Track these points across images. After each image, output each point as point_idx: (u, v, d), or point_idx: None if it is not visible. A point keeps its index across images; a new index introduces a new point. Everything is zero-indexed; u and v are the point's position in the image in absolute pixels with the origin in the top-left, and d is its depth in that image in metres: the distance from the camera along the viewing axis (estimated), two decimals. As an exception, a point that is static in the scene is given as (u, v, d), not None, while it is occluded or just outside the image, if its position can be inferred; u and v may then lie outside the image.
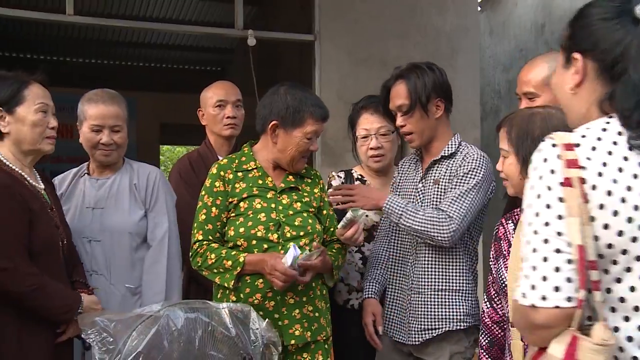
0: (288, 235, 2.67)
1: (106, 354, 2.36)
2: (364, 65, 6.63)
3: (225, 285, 2.68)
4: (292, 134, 2.72)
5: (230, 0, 6.95)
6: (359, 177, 3.32)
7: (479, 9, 8.68)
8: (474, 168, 2.76)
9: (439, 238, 2.68)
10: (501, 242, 2.30)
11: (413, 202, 2.89)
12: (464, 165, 2.78)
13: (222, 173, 2.79)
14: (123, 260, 2.98)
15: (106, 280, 2.95)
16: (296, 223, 2.70)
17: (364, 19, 6.69)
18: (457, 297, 2.80)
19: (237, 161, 2.84)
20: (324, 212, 2.85)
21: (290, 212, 2.72)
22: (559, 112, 2.16)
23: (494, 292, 2.36)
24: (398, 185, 3.03)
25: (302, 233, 2.70)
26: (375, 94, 3.37)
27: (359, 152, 3.32)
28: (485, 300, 2.40)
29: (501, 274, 2.24)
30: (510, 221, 2.31)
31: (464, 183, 2.74)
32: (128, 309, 2.89)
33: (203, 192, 2.79)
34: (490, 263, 2.37)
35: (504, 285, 2.21)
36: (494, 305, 2.36)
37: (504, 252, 2.26)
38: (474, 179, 2.75)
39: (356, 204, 2.78)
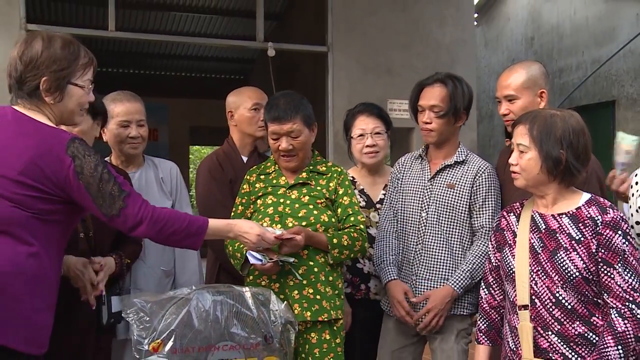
0: (290, 225, 2.65)
1: (143, 331, 2.35)
2: (371, 73, 6.62)
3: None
4: (268, 137, 2.79)
5: (252, 16, 6.97)
6: (350, 178, 3.27)
7: (475, 23, 8.64)
8: (493, 181, 2.82)
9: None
10: (504, 232, 2.26)
11: (419, 199, 2.88)
12: (483, 178, 2.81)
13: (248, 177, 2.87)
14: (157, 246, 2.91)
15: (144, 264, 2.95)
16: (300, 214, 2.69)
17: (371, 32, 6.68)
18: None
19: (262, 166, 2.90)
20: (340, 201, 2.82)
21: (297, 205, 2.71)
22: (571, 115, 2.14)
23: (492, 279, 2.32)
24: (401, 181, 2.99)
25: (304, 223, 2.67)
26: (373, 103, 3.38)
27: (353, 150, 3.28)
28: (484, 287, 2.36)
29: (508, 261, 2.20)
30: (512, 214, 2.27)
31: (492, 197, 2.79)
32: (162, 289, 2.92)
33: (238, 195, 2.88)
34: (490, 252, 2.34)
35: (511, 271, 2.16)
36: (492, 291, 2.32)
37: (509, 242, 2.22)
38: (495, 191, 2.81)
39: (443, 317, 2.75)
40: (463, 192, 2.80)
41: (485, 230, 2.74)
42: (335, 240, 2.66)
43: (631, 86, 7.98)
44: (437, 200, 2.83)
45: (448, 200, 2.81)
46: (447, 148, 2.89)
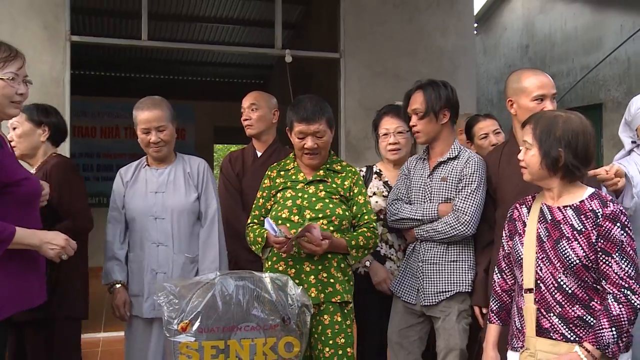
0: (307, 216, 2.66)
1: (173, 312, 2.36)
2: (380, 78, 6.58)
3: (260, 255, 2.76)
4: (291, 137, 2.77)
5: (270, 25, 6.94)
6: (378, 171, 3.29)
7: (475, 32, 8.57)
8: (477, 170, 2.79)
9: (462, 233, 2.74)
10: (516, 222, 2.24)
11: (422, 194, 2.89)
12: (469, 167, 2.81)
13: (269, 173, 2.87)
14: (183, 234, 2.94)
15: (170, 251, 2.91)
16: (317, 207, 2.68)
17: (380, 40, 6.64)
18: (465, 267, 2.80)
19: (282, 163, 2.90)
20: (356, 199, 2.79)
21: (314, 199, 2.70)
22: (576, 117, 2.10)
23: (504, 265, 2.30)
24: (409, 179, 2.99)
25: (320, 215, 2.66)
26: (392, 103, 3.39)
27: (380, 147, 3.30)
28: (497, 272, 2.34)
29: (517, 249, 2.17)
30: (523, 206, 2.25)
31: (471, 183, 2.78)
32: (186, 274, 2.91)
33: (259, 189, 2.88)
34: (503, 240, 2.31)
35: (520, 258, 2.15)
36: (504, 276, 2.30)
37: (519, 231, 2.20)
38: (477, 179, 2.78)
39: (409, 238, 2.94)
40: (454, 183, 2.81)
41: (457, 209, 2.74)
42: (353, 242, 2.66)
43: (616, 90, 7.98)
44: (435, 193, 2.85)
45: (443, 192, 2.83)
46: (441, 146, 2.91)
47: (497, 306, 2.32)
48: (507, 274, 2.28)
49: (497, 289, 2.32)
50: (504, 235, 2.30)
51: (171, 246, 2.92)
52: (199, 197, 3.01)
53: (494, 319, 2.32)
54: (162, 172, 3.01)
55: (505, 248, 2.29)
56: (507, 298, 2.29)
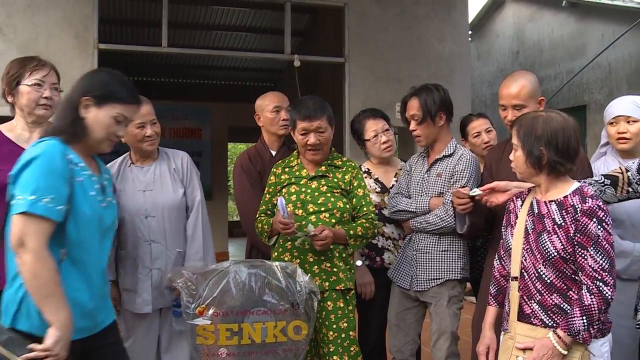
0: (311, 210, 2.64)
1: (190, 297, 2.36)
2: (382, 81, 6.57)
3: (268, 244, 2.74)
4: (295, 135, 2.75)
5: (280, 33, 6.93)
6: (367, 170, 3.25)
7: (470, 39, 8.55)
8: (467, 166, 2.80)
9: (450, 225, 2.73)
10: (510, 214, 2.23)
11: (419, 188, 2.88)
12: (460, 164, 2.81)
13: (274, 170, 2.85)
14: (174, 230, 2.77)
15: (163, 247, 2.75)
16: (319, 201, 2.66)
17: (382, 46, 6.63)
18: (454, 256, 2.79)
19: (286, 161, 2.87)
20: (355, 192, 2.76)
21: (316, 194, 2.68)
22: (558, 116, 2.07)
23: (503, 252, 2.27)
24: (410, 175, 2.98)
25: (322, 209, 2.65)
26: (374, 107, 3.36)
27: (371, 150, 3.21)
28: (497, 258, 2.29)
29: (508, 239, 2.17)
30: (519, 199, 2.23)
31: (462, 179, 2.78)
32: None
33: (266, 185, 2.86)
34: (502, 229, 2.29)
35: (509, 247, 2.15)
36: (502, 262, 2.25)
37: (512, 223, 2.19)
38: (467, 175, 2.78)
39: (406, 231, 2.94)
40: (447, 178, 2.81)
41: (446, 203, 2.74)
42: (352, 232, 2.64)
43: (599, 93, 8.02)
44: (430, 188, 2.84)
45: (438, 187, 2.83)
46: (439, 145, 2.89)
47: (495, 290, 2.30)
48: (505, 261, 2.26)
49: (495, 274, 2.30)
50: (503, 224, 2.29)
51: (164, 243, 2.76)
52: (185, 191, 2.85)
53: (492, 301, 2.30)
54: (147, 169, 2.84)
55: (503, 237, 2.27)
56: (505, 283, 2.27)
